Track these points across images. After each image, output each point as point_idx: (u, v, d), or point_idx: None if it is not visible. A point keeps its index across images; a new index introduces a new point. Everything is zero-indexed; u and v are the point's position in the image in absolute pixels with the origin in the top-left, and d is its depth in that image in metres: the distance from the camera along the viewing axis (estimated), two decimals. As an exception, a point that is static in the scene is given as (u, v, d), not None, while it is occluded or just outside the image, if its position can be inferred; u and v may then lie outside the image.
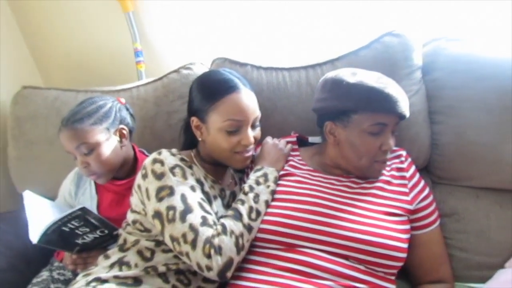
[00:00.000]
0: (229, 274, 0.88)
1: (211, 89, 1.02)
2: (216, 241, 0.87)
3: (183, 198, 0.93)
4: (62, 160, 1.32)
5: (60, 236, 1.01)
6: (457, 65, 1.15)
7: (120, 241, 1.04)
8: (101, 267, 0.98)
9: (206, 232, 0.88)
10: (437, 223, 1.06)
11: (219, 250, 0.86)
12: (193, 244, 0.87)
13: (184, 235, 0.88)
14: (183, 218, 0.90)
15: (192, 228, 0.88)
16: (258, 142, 1.16)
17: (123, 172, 1.17)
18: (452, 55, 1.16)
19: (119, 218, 1.09)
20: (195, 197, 0.94)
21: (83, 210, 1.00)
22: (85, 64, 1.69)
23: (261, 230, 0.96)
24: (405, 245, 0.93)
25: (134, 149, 1.21)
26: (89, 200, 1.19)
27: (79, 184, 1.23)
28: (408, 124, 1.12)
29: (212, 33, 1.58)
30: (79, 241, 1.07)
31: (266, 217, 0.97)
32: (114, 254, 1.01)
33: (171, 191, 0.93)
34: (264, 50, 1.55)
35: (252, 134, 1.03)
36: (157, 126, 1.31)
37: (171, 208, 0.91)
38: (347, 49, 1.23)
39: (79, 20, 1.62)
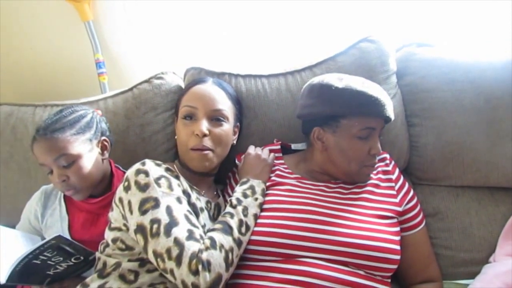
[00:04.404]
0: None
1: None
2: (204, 256, 0.81)
3: (169, 210, 0.87)
4: (19, 183, 1.23)
5: (29, 270, 0.91)
6: (428, 70, 1.19)
7: (99, 265, 0.95)
8: (79, 298, 0.88)
9: (192, 246, 0.82)
10: (424, 223, 1.08)
11: (207, 265, 0.80)
12: (178, 260, 0.81)
13: (168, 250, 0.82)
14: (167, 232, 0.83)
15: (177, 242, 0.82)
16: (240, 151, 1.14)
17: (99, 189, 1.09)
18: (423, 60, 1.21)
19: (93, 239, 1.02)
20: (181, 209, 0.89)
21: (58, 239, 0.91)
22: (41, 77, 1.58)
23: (256, 242, 0.92)
24: (398, 247, 0.94)
25: (110, 164, 1.13)
26: (58, 221, 1.09)
27: (47, 204, 1.12)
28: (388, 127, 1.14)
29: (177, 41, 1.54)
30: (51, 271, 0.96)
31: (260, 228, 0.94)
32: (93, 281, 0.92)
33: (156, 203, 0.87)
34: (234, 58, 1.53)
35: (206, 125, 1.00)
36: (129, 140, 1.23)
37: (155, 221, 0.85)
38: (324, 55, 1.24)
39: (33, 30, 1.52)
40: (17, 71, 1.59)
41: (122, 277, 0.90)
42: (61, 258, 0.95)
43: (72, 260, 0.97)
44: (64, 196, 1.12)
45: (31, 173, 1.24)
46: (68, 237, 1.04)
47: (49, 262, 0.93)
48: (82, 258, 0.99)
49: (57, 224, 1.09)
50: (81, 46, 1.51)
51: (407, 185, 1.09)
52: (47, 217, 1.11)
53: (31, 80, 1.60)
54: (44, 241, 0.89)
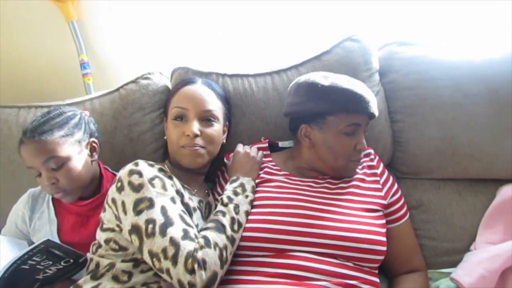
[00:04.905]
0: None
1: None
2: (199, 254, 0.82)
3: (163, 210, 0.88)
4: (3, 185, 1.22)
5: (18, 276, 0.90)
6: (410, 67, 1.23)
7: (91, 267, 0.95)
8: (72, 301, 0.88)
9: (188, 246, 0.83)
10: (408, 215, 1.11)
11: (203, 264, 0.82)
12: (174, 260, 0.82)
13: (164, 250, 0.83)
14: (163, 232, 0.84)
15: (173, 242, 0.83)
16: (228, 150, 1.16)
17: (88, 191, 1.08)
18: (405, 58, 1.24)
19: (84, 242, 1.01)
20: (175, 209, 0.90)
21: (47, 243, 0.90)
22: (25, 78, 1.55)
23: (247, 238, 0.94)
24: (385, 239, 0.97)
25: (99, 165, 1.12)
26: (47, 224, 1.08)
27: (34, 207, 1.10)
28: (372, 124, 1.16)
29: (163, 41, 1.54)
30: (40, 276, 0.95)
31: (251, 225, 0.95)
32: (85, 283, 0.91)
33: (151, 203, 0.88)
34: (220, 58, 1.54)
35: (197, 126, 1.01)
36: (117, 140, 1.23)
37: (150, 221, 0.86)
38: (309, 55, 1.26)
39: (16, 30, 1.50)
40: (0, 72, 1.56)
41: (115, 278, 0.90)
42: (51, 262, 0.94)
43: (62, 263, 0.96)
44: (53, 199, 1.10)
45: (15, 175, 1.22)
46: (57, 240, 1.03)
47: (38, 266, 0.92)
48: (72, 260, 0.98)
49: (46, 227, 1.08)
50: (65, 47, 1.50)
51: (391, 179, 1.12)
52: (35, 221, 1.09)
53: (14, 81, 1.57)
54: (33, 245, 0.89)
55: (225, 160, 1.17)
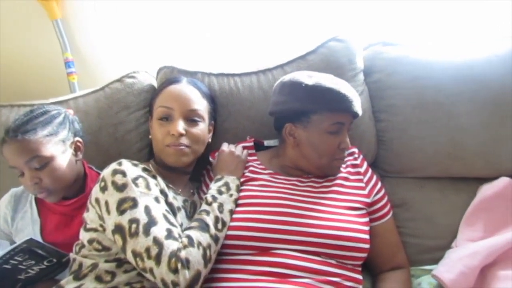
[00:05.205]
0: None
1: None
2: (182, 254, 0.82)
3: (147, 210, 0.87)
4: None
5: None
6: (394, 67, 1.24)
7: (74, 267, 0.94)
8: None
9: (171, 245, 0.83)
10: (391, 214, 1.13)
11: (186, 263, 0.82)
12: (158, 259, 0.82)
13: (147, 250, 0.83)
14: (147, 231, 0.84)
15: (156, 241, 0.83)
16: (214, 149, 1.16)
17: (72, 190, 1.07)
18: (389, 58, 1.26)
19: (68, 242, 1.00)
20: (159, 209, 0.90)
21: (29, 242, 0.89)
22: (8, 77, 1.53)
23: (231, 237, 0.94)
24: (368, 237, 0.99)
25: (83, 165, 1.11)
26: (30, 224, 1.07)
27: (17, 207, 1.09)
28: (356, 123, 1.18)
29: (149, 40, 1.53)
30: (22, 276, 0.94)
31: (235, 223, 0.96)
32: (68, 283, 0.91)
33: (134, 203, 0.88)
34: (206, 57, 1.54)
35: (182, 125, 1.01)
36: (102, 140, 1.22)
37: (134, 221, 0.86)
38: (294, 54, 1.27)
39: (-1, 28, 1.47)
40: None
41: (98, 278, 0.90)
42: (33, 262, 0.93)
43: (45, 263, 0.96)
44: (36, 199, 1.09)
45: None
46: (40, 240, 1.02)
47: (20, 266, 0.91)
48: (55, 260, 0.97)
49: (29, 228, 1.06)
50: (50, 45, 1.48)
51: (375, 177, 1.14)
52: (18, 221, 1.08)
53: (-4, 80, 1.55)
54: (15, 245, 0.88)
55: (210, 159, 1.17)
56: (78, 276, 0.91)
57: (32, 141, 0.97)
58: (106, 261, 0.91)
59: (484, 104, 1.18)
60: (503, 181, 1.18)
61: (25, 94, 1.43)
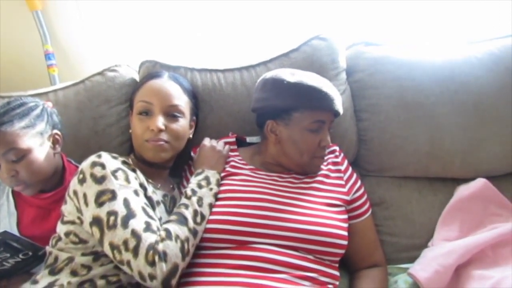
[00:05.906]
0: (173, 281, 0.84)
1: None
2: (160, 247, 0.82)
3: (126, 202, 0.87)
4: None
5: None
6: (376, 67, 1.26)
7: (50, 260, 0.93)
8: (29, 296, 0.86)
9: (149, 238, 0.83)
10: (370, 212, 1.14)
11: (164, 256, 0.81)
12: (135, 252, 0.81)
13: (125, 242, 0.82)
14: (125, 224, 0.84)
15: (134, 234, 0.83)
16: (195, 145, 1.15)
17: (50, 184, 1.05)
18: (371, 58, 1.27)
19: (45, 235, 0.99)
20: (138, 202, 0.89)
21: (4, 234, 0.88)
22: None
23: (210, 230, 0.94)
24: (346, 233, 1.00)
25: (62, 158, 1.10)
26: (6, 217, 1.05)
27: None
28: (338, 122, 1.19)
29: (131, 33, 1.52)
30: None
31: (214, 217, 0.96)
32: (43, 278, 0.90)
33: (113, 195, 0.87)
34: (189, 52, 1.53)
35: (162, 121, 1.01)
36: (82, 133, 1.21)
37: (112, 213, 0.85)
38: (278, 52, 1.27)
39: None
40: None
41: (73, 273, 0.89)
42: (8, 255, 0.92)
43: (20, 256, 0.94)
44: (13, 191, 1.07)
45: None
46: (16, 233, 1.00)
47: None
48: (30, 254, 0.96)
49: (5, 221, 1.05)
50: (29, 37, 1.45)
51: (355, 175, 1.15)
52: (-6, 213, 1.06)
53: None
54: None
55: (192, 154, 1.17)
56: (54, 270, 0.90)
57: (9, 133, 0.95)
58: (83, 254, 0.90)
59: (463, 105, 1.21)
60: (479, 182, 1.20)
61: (4, 86, 1.41)
